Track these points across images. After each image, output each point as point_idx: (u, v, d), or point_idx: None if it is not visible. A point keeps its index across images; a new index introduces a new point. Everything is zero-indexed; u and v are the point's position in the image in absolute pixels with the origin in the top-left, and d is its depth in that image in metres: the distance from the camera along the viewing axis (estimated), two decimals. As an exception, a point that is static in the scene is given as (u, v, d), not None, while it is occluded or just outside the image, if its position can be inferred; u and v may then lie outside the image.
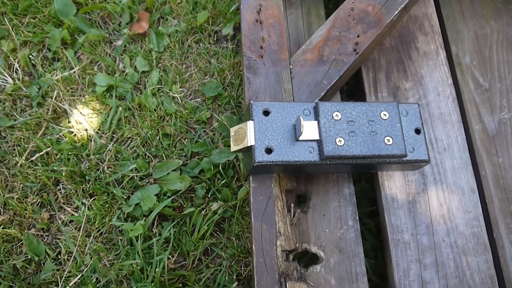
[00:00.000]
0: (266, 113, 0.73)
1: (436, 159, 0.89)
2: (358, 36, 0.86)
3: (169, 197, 1.04)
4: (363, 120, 0.74)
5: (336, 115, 0.73)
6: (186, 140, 1.12)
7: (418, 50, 0.98)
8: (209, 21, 1.27)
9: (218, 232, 1.02)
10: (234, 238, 1.00)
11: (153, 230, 1.02)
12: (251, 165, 0.71)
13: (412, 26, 1.00)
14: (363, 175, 1.06)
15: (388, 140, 0.73)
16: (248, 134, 0.71)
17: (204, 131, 1.13)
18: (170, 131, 1.13)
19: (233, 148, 0.75)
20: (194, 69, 1.21)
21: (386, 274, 0.86)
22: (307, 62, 0.84)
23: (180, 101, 1.17)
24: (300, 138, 0.72)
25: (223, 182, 1.04)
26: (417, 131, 0.77)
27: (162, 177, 1.07)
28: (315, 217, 0.82)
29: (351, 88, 1.14)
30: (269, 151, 0.71)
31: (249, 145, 0.71)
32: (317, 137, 0.72)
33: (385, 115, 0.75)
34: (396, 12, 0.88)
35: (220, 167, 1.04)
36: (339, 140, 0.72)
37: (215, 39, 1.26)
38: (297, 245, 0.78)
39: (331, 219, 0.82)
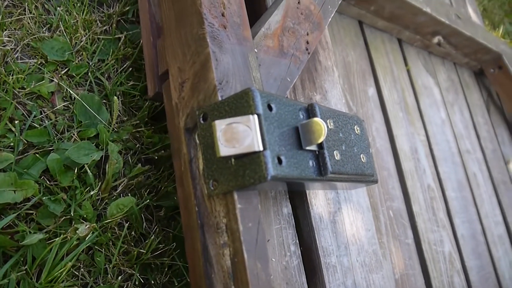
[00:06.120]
0: (270, 107, 0.53)
1: (343, 177, 0.89)
2: (307, 34, 0.76)
3: (-5, 216, 0.61)
4: (346, 133, 0.65)
5: (329, 122, 0.61)
6: (13, 122, 0.69)
7: (320, 63, 0.95)
8: None
9: (82, 269, 0.67)
10: (110, 276, 0.68)
11: (-38, 275, 0.57)
12: (254, 179, 0.50)
13: (314, 38, 0.97)
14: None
15: (363, 158, 0.67)
16: (253, 134, 0.50)
17: (43, 112, 0.74)
18: (-18, 103, 0.67)
19: (224, 151, 0.50)
20: (26, 14, 0.77)
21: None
22: (270, 50, 0.67)
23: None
24: (307, 148, 0.56)
25: (93, 192, 0.70)
26: (368, 149, 0.74)
27: (-26, 181, 0.62)
28: (261, 244, 0.66)
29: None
30: (280, 161, 0.52)
31: (256, 150, 0.50)
32: (315, 148, 0.58)
33: (357, 129, 0.68)
34: (330, 19, 0.83)
35: (88, 168, 0.70)
36: (336, 154, 0.60)
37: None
38: (262, 283, 0.60)
39: (276, 245, 0.68)
